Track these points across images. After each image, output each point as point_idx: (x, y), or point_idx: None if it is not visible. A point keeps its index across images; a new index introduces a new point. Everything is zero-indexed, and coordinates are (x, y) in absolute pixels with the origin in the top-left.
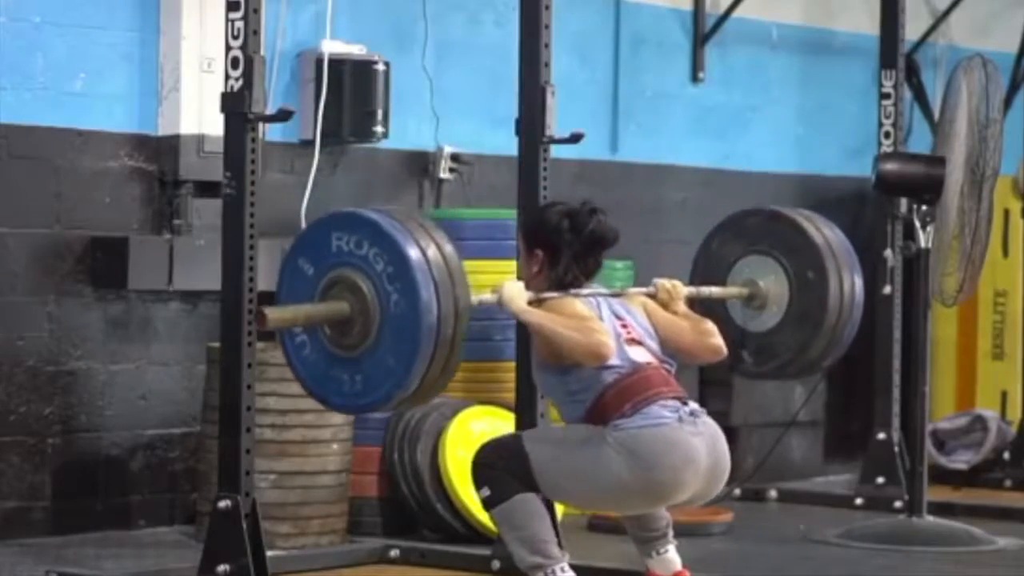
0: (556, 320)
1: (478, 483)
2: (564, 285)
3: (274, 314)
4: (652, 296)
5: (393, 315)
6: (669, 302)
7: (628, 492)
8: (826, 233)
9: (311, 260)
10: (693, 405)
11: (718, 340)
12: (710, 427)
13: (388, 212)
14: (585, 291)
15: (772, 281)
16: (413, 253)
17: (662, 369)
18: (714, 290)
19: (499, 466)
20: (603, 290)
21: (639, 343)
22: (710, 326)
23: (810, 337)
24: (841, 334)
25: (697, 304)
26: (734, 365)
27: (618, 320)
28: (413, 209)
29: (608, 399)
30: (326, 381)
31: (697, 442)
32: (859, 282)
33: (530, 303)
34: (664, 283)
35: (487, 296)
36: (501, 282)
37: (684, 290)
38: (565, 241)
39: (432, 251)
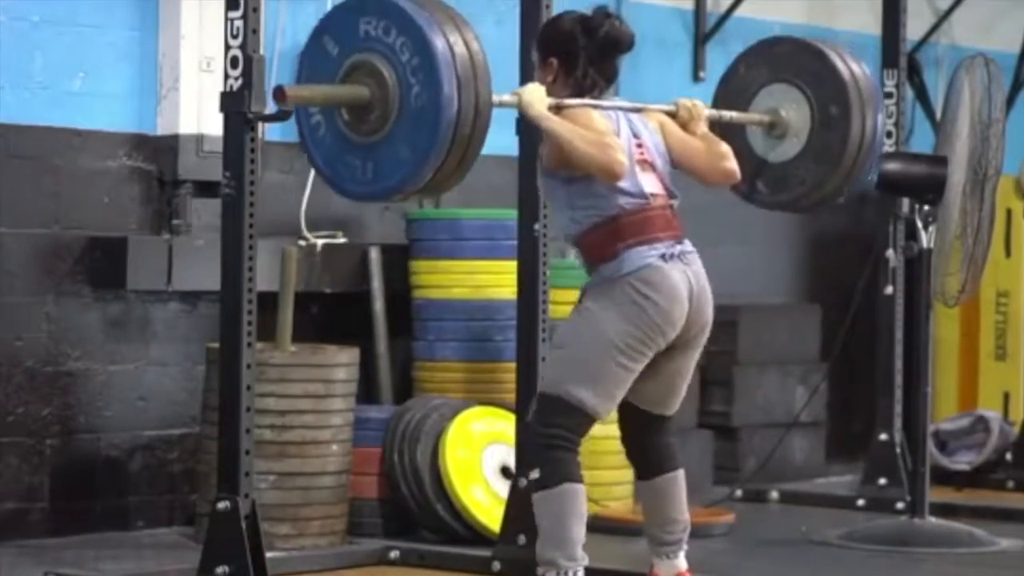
0: (574, 131)
1: (533, 463)
2: (583, 91)
3: (294, 91)
4: (672, 115)
5: (413, 107)
6: (689, 121)
7: (630, 337)
8: (853, 68)
9: (336, 40)
10: (685, 245)
11: (732, 164)
12: (693, 265)
13: (421, 2)
14: (605, 103)
15: (795, 111)
16: (440, 46)
17: (667, 208)
18: (735, 115)
19: (556, 437)
20: (624, 103)
21: (651, 166)
22: (725, 149)
23: (827, 173)
24: (859, 172)
25: (717, 128)
26: (749, 194)
27: (634, 138)
28: (448, 4)
29: (607, 231)
30: (339, 165)
31: (677, 276)
32: (881, 121)
33: (549, 109)
34: (685, 102)
35: (507, 97)
36: (525, 84)
37: (705, 111)
38: (580, 46)
39: (459, 45)
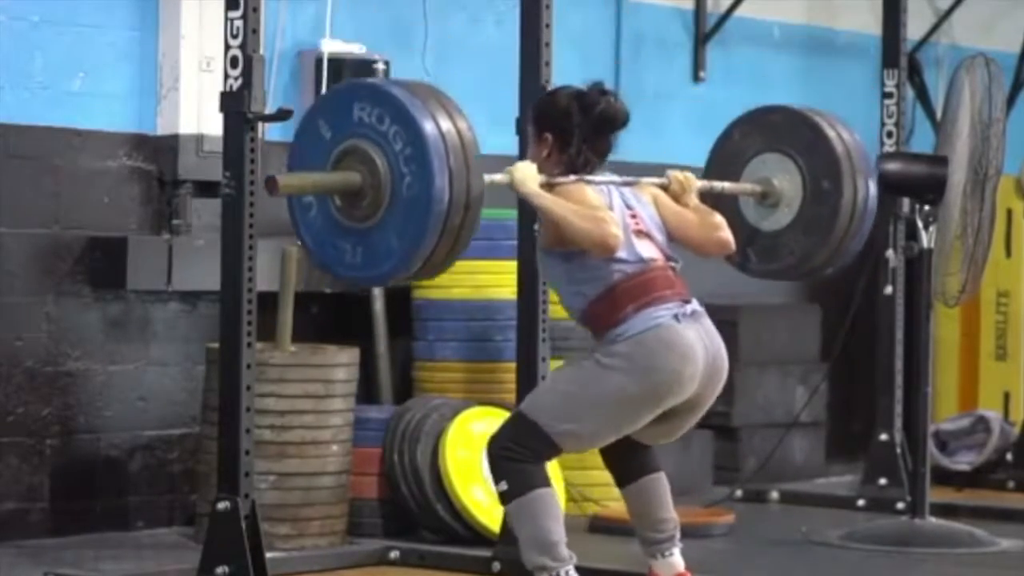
0: (567, 206)
1: (496, 477)
2: (576, 168)
3: (285, 180)
4: (664, 187)
5: (404, 196)
6: (681, 194)
7: (635, 400)
8: (846, 138)
9: (330, 124)
10: (694, 305)
11: (726, 234)
12: (706, 325)
13: (413, 90)
14: (597, 178)
15: (787, 181)
16: (433, 138)
17: (668, 269)
18: (727, 185)
19: (518, 453)
20: (615, 178)
21: (647, 236)
22: (719, 220)
23: (816, 245)
24: (848, 245)
25: (709, 199)
26: (740, 262)
27: (628, 210)
28: (435, 88)
29: (610, 299)
30: (329, 248)
31: (691, 337)
32: (873, 189)
33: (541, 187)
34: (677, 174)
35: (499, 177)
36: (515, 163)
37: (697, 183)
38: (575, 123)
39: (452, 136)
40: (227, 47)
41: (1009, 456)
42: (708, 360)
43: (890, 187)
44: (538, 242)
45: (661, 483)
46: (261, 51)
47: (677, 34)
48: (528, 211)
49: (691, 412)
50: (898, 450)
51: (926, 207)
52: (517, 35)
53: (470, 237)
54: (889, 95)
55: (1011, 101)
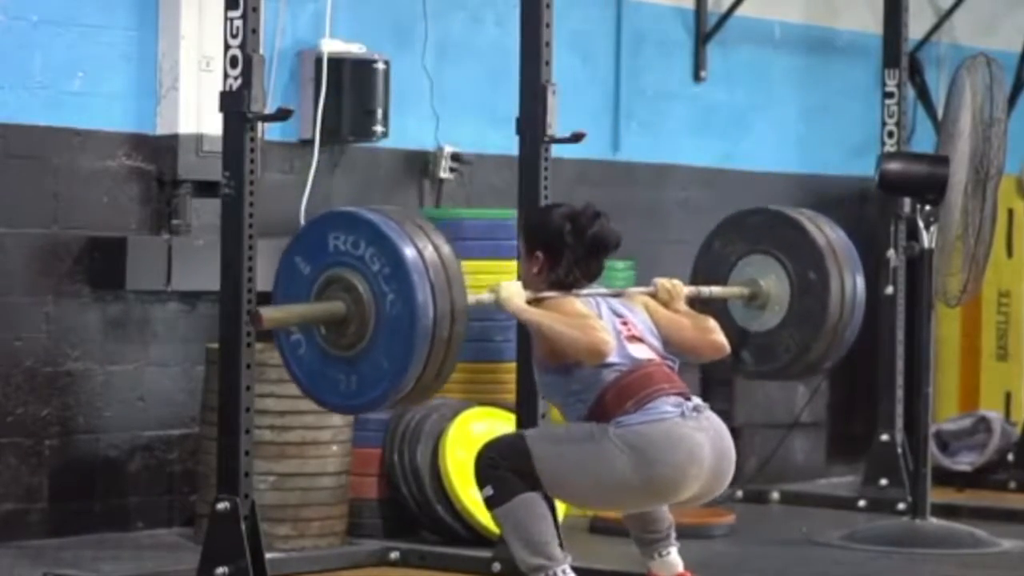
0: (555, 318)
1: (481, 482)
2: (565, 287)
3: (270, 314)
4: (652, 295)
5: (389, 316)
6: (670, 302)
7: (631, 489)
8: (828, 233)
9: (307, 259)
10: (696, 401)
11: (720, 337)
12: (714, 422)
13: (386, 212)
14: (584, 291)
15: (773, 281)
16: (410, 254)
17: (664, 366)
18: (715, 289)
19: (502, 465)
20: (602, 290)
21: (640, 340)
22: (712, 323)
23: (811, 338)
24: (842, 335)
25: (698, 304)
26: (735, 365)
27: (618, 318)
28: (411, 209)
29: (610, 397)
30: (322, 380)
31: (701, 438)
32: (861, 283)
33: (528, 303)
34: (664, 282)
35: (484, 296)
36: (499, 282)
37: (684, 289)
38: (567, 244)
39: (429, 252)
40: (227, 47)
41: (1010, 456)
42: (714, 460)
43: (891, 187)
44: (534, 360)
45: None
46: (261, 51)
47: (678, 34)
48: (530, 202)
49: (688, 503)
50: (899, 450)
51: (927, 207)
52: (517, 35)
53: (458, 352)
54: (890, 95)
55: (1012, 101)
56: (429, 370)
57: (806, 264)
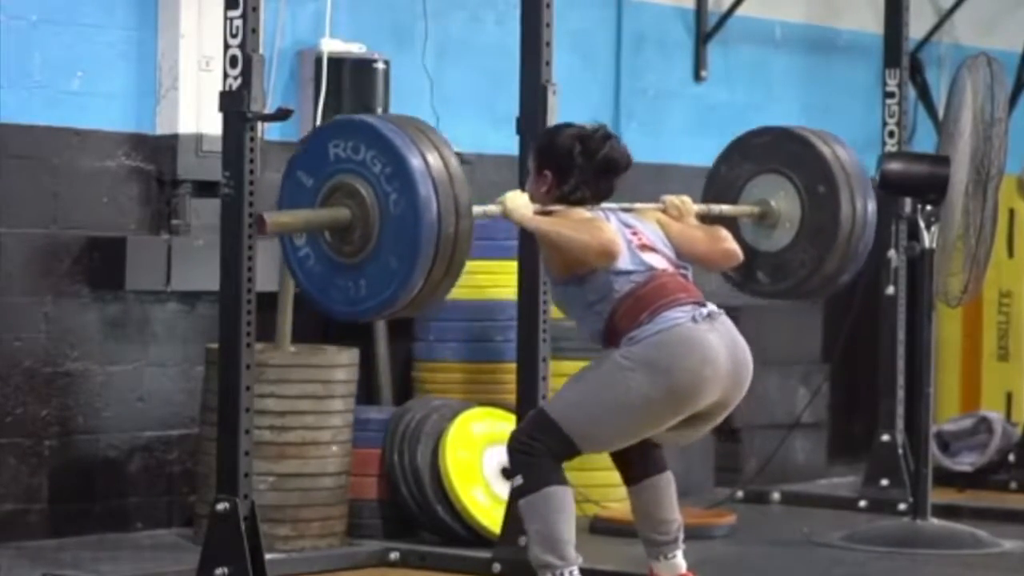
0: (561, 223)
1: (513, 471)
2: (572, 204)
3: (273, 219)
4: (662, 212)
5: (393, 216)
6: (679, 218)
7: (656, 404)
8: (838, 151)
9: (309, 172)
10: (711, 307)
11: (732, 245)
12: (728, 327)
13: (384, 117)
14: (593, 207)
15: (783, 198)
16: (410, 153)
17: (678, 275)
18: (724, 208)
19: (536, 449)
20: (612, 205)
21: (652, 249)
22: (723, 232)
23: (825, 251)
24: (856, 248)
25: (707, 221)
26: (749, 286)
27: (628, 228)
28: (412, 117)
29: (625, 309)
30: (332, 290)
31: (713, 338)
32: (871, 204)
33: (535, 214)
34: (672, 199)
35: (492, 207)
36: (505, 192)
37: (694, 206)
38: (576, 165)
39: (430, 152)
40: (226, 46)
41: (1011, 457)
42: (731, 364)
43: (892, 187)
44: (549, 276)
45: (667, 483)
46: (260, 50)
47: (678, 33)
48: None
49: (714, 416)
50: (900, 451)
51: (928, 207)
52: (517, 34)
53: (467, 252)
54: (891, 94)
55: (1013, 100)
56: (438, 267)
57: (815, 178)
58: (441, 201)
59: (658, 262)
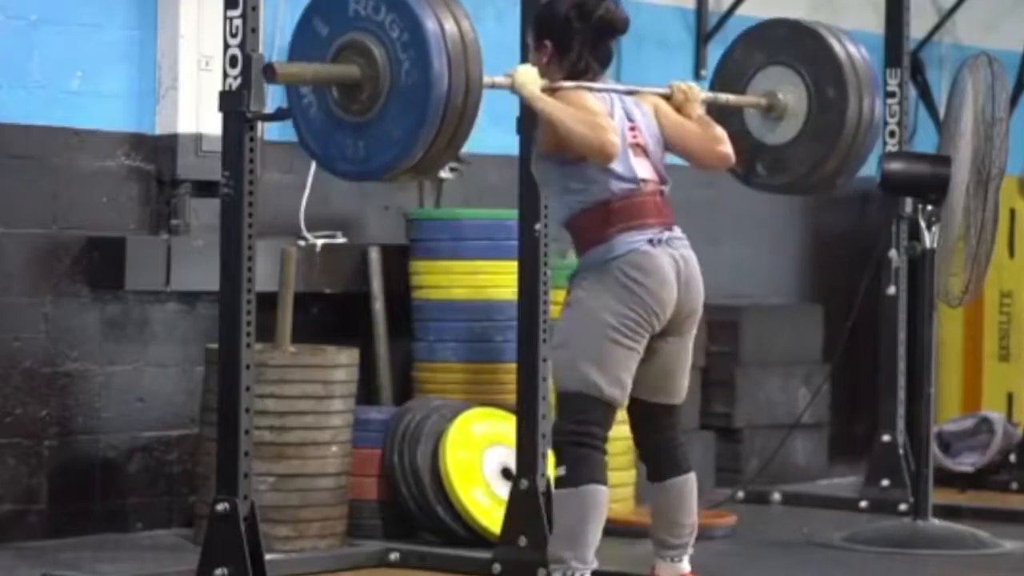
0: (567, 111)
1: (559, 461)
2: (577, 75)
3: (283, 68)
4: (666, 97)
5: (403, 84)
6: (684, 103)
7: (631, 319)
8: (851, 50)
9: (326, 20)
10: (675, 232)
11: (726, 148)
12: (681, 248)
13: None
14: (599, 85)
15: (792, 93)
16: (430, 23)
17: (658, 194)
18: (731, 97)
19: (588, 433)
20: (618, 86)
21: (643, 151)
22: (719, 132)
23: (826, 153)
24: (858, 151)
25: (714, 112)
26: (748, 177)
27: (628, 121)
28: None
29: (598, 215)
30: (330, 145)
31: (664, 260)
32: (879, 105)
33: (543, 91)
34: (680, 84)
35: (500, 78)
36: (515, 66)
37: (701, 94)
38: (575, 29)
39: (449, 23)
40: (226, 46)
41: (1012, 457)
42: (681, 284)
43: (893, 187)
44: (535, 147)
45: (690, 486)
46: (260, 50)
47: (678, 33)
48: (528, 210)
49: (675, 344)
50: (901, 451)
51: (929, 207)
52: (517, 32)
53: (471, 125)
54: (892, 94)
55: (1014, 100)
56: (440, 140)
57: (826, 80)
58: (453, 77)
59: (645, 172)
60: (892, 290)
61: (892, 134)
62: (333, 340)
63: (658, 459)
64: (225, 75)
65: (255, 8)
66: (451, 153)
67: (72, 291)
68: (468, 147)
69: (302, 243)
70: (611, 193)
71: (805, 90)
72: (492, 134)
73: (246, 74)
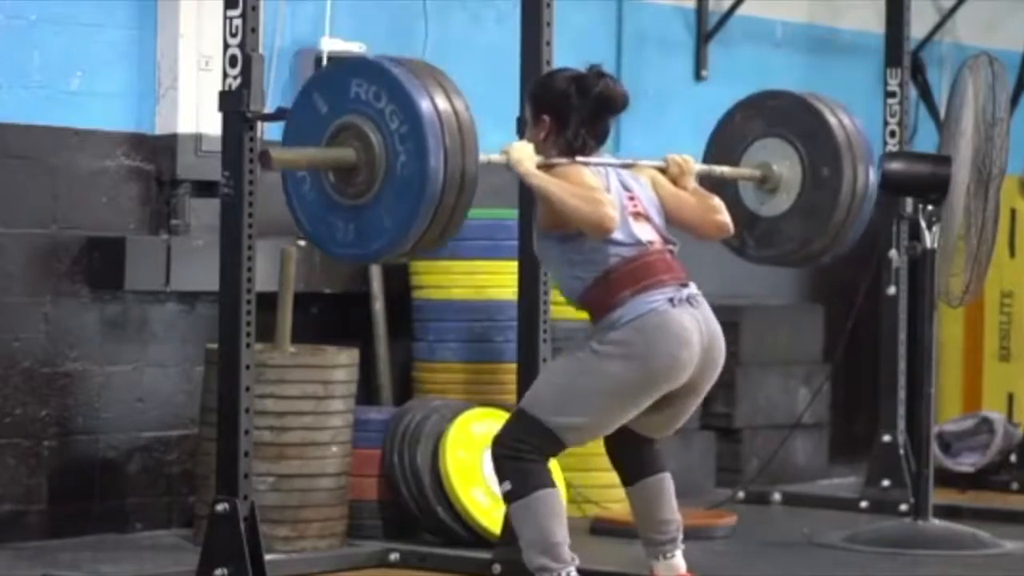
0: (563, 187)
1: (501, 476)
2: (574, 151)
3: (279, 155)
4: (662, 170)
5: (399, 175)
6: (679, 176)
7: (633, 388)
8: (847, 125)
9: (326, 99)
10: (691, 289)
11: (724, 217)
12: (703, 309)
13: (411, 68)
14: (594, 160)
15: (786, 167)
16: (429, 116)
17: (666, 252)
18: (726, 170)
19: (522, 451)
20: (613, 160)
21: (645, 218)
22: (717, 202)
23: (815, 232)
24: (846, 232)
25: (708, 183)
26: (738, 247)
27: (626, 192)
28: (435, 67)
29: (608, 283)
30: (321, 225)
31: (687, 320)
32: (873, 176)
33: (538, 168)
34: (675, 157)
35: (495, 156)
36: (510, 142)
37: (695, 166)
38: (573, 106)
39: (448, 115)
40: (226, 46)
41: (1013, 457)
42: (704, 344)
43: (893, 187)
44: (535, 224)
45: (666, 483)
46: (260, 50)
47: (679, 33)
48: (528, 210)
49: (688, 399)
50: (901, 451)
51: (929, 207)
52: (518, 34)
53: (463, 219)
54: (892, 94)
55: (1015, 100)
56: (431, 232)
57: (821, 157)
58: (449, 172)
59: (649, 235)
60: (892, 290)
61: (892, 134)
62: (333, 340)
63: (629, 463)
64: (225, 75)
65: (255, 8)
66: (443, 242)
67: (72, 291)
68: None
69: (302, 243)
70: (617, 258)
71: (800, 165)
72: (492, 134)
73: (246, 74)
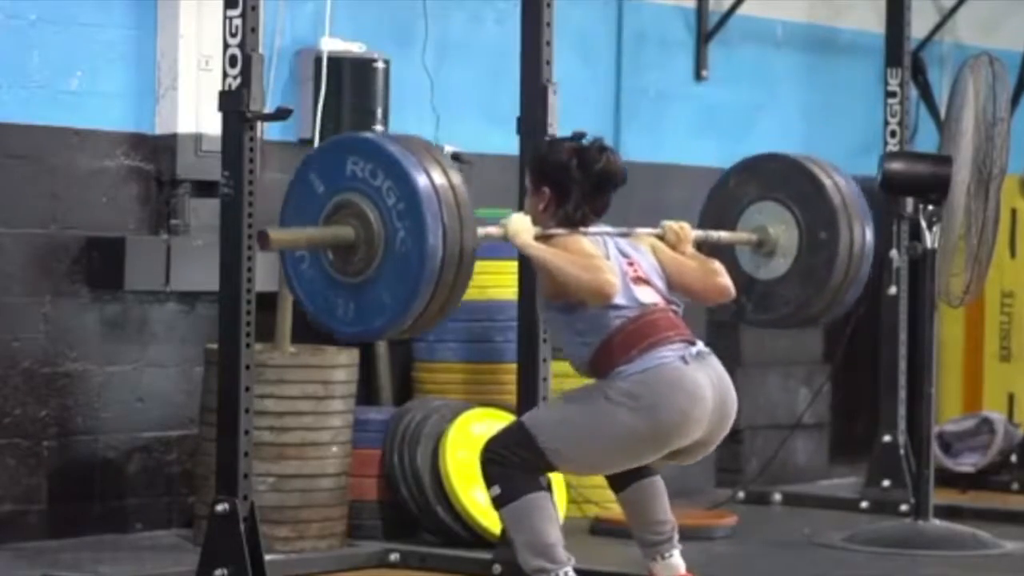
0: (562, 256)
1: (488, 481)
2: (573, 223)
3: (277, 235)
4: (660, 237)
5: (397, 252)
6: (677, 243)
7: (639, 440)
8: (842, 188)
9: (323, 178)
10: (700, 346)
11: (726, 280)
12: (715, 366)
13: (407, 145)
14: (592, 229)
15: (783, 231)
16: (426, 194)
17: (669, 312)
18: (723, 235)
19: (509, 459)
20: (610, 229)
21: (646, 282)
22: (718, 266)
23: (813, 295)
24: (844, 294)
25: (705, 248)
26: (736, 312)
27: (624, 259)
28: (430, 143)
29: (615, 344)
30: (321, 301)
31: (701, 377)
32: (870, 236)
33: (536, 239)
34: (672, 225)
35: (493, 230)
36: (509, 215)
37: (692, 232)
38: (574, 179)
39: (445, 191)
40: (226, 46)
41: (1013, 458)
42: (717, 402)
43: (894, 187)
44: (537, 296)
45: (657, 487)
46: (260, 50)
47: (679, 33)
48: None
49: (698, 450)
50: (901, 452)
51: (930, 207)
52: (518, 34)
53: (463, 293)
54: (892, 94)
55: (1015, 100)
56: (431, 309)
57: (818, 222)
58: (448, 249)
59: (651, 297)
60: (893, 290)
61: (893, 134)
62: (333, 340)
63: (618, 473)
64: (225, 75)
65: (255, 8)
66: (442, 317)
67: (72, 291)
68: (468, 147)
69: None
70: (620, 320)
71: (796, 228)
72: (492, 134)
73: (246, 74)
